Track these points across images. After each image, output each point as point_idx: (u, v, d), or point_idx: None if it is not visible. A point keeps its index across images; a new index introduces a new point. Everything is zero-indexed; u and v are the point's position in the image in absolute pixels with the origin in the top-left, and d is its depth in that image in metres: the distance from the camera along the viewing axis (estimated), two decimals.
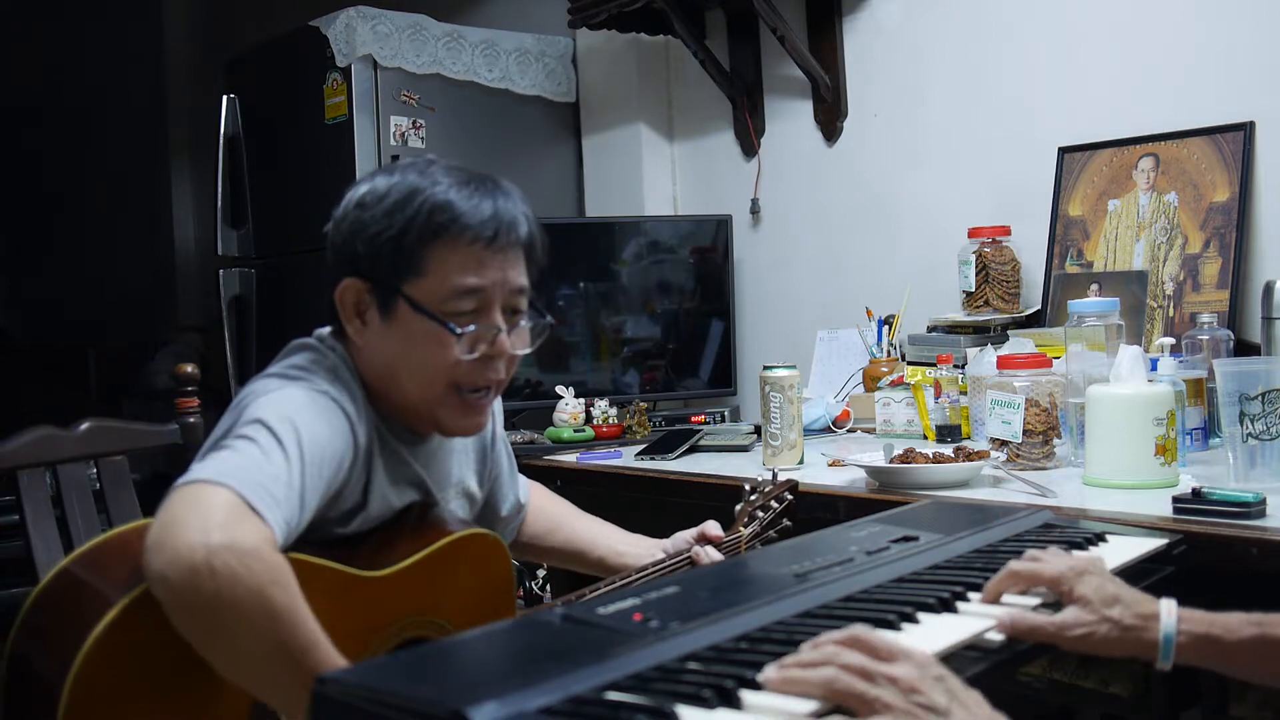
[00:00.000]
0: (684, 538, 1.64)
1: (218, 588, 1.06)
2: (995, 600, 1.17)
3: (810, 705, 0.88)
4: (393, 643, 1.34)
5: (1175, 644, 1.14)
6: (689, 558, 1.58)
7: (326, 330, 1.43)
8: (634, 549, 1.66)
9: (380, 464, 1.38)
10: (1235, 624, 1.15)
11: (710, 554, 1.58)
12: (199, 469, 1.16)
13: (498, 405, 1.56)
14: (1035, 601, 1.18)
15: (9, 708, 1.20)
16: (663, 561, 1.58)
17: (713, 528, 1.63)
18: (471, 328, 1.35)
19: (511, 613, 1.46)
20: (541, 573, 3.07)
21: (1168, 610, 1.15)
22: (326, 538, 1.32)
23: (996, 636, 1.09)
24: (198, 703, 1.19)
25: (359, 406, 1.35)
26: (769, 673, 0.91)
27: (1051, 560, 1.19)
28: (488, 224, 1.36)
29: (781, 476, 1.79)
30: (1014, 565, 1.18)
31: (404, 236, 1.33)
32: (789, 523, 1.73)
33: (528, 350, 1.44)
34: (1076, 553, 1.21)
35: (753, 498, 1.73)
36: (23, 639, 1.21)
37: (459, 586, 1.40)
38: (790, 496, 1.77)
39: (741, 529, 1.66)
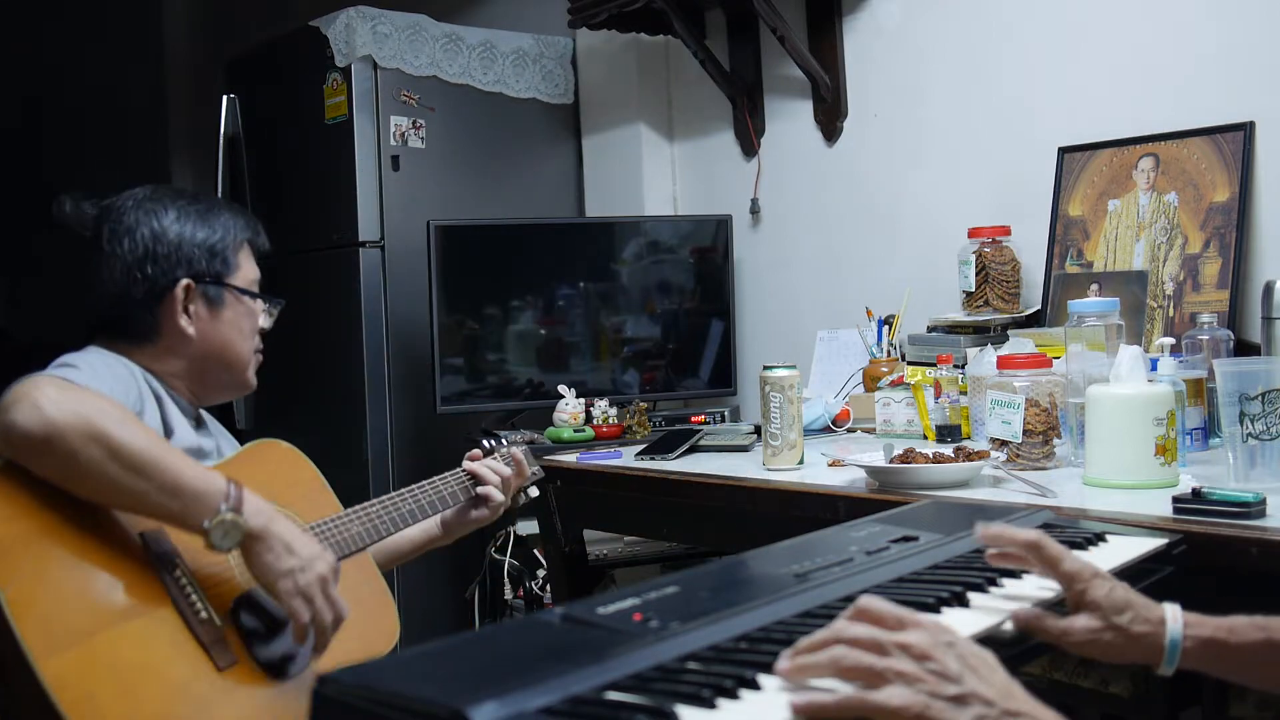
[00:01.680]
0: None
1: (68, 414, 1.31)
2: (997, 540, 1.17)
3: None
4: None
5: (1181, 649, 1.13)
6: (461, 470, 1.90)
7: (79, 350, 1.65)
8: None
9: (173, 410, 1.65)
10: (1241, 628, 1.14)
11: (480, 462, 1.91)
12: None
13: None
14: (1045, 595, 1.17)
15: None
16: (441, 475, 1.87)
17: (472, 453, 1.95)
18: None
19: (336, 506, 1.72)
20: (541, 573, 3.07)
21: (1173, 615, 1.14)
22: None
23: (1008, 626, 1.10)
24: (96, 544, 1.37)
25: (131, 367, 1.62)
26: (782, 664, 0.91)
27: (1072, 555, 1.17)
28: (261, 231, 1.81)
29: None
30: (1041, 540, 1.16)
31: (224, 241, 1.71)
32: (537, 470, 2.05)
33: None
34: (1080, 553, 1.21)
35: (495, 444, 2.01)
36: None
37: (282, 482, 1.68)
38: (524, 445, 2.06)
39: (495, 455, 1.96)
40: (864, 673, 0.89)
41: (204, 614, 1.40)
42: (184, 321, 1.67)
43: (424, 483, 1.84)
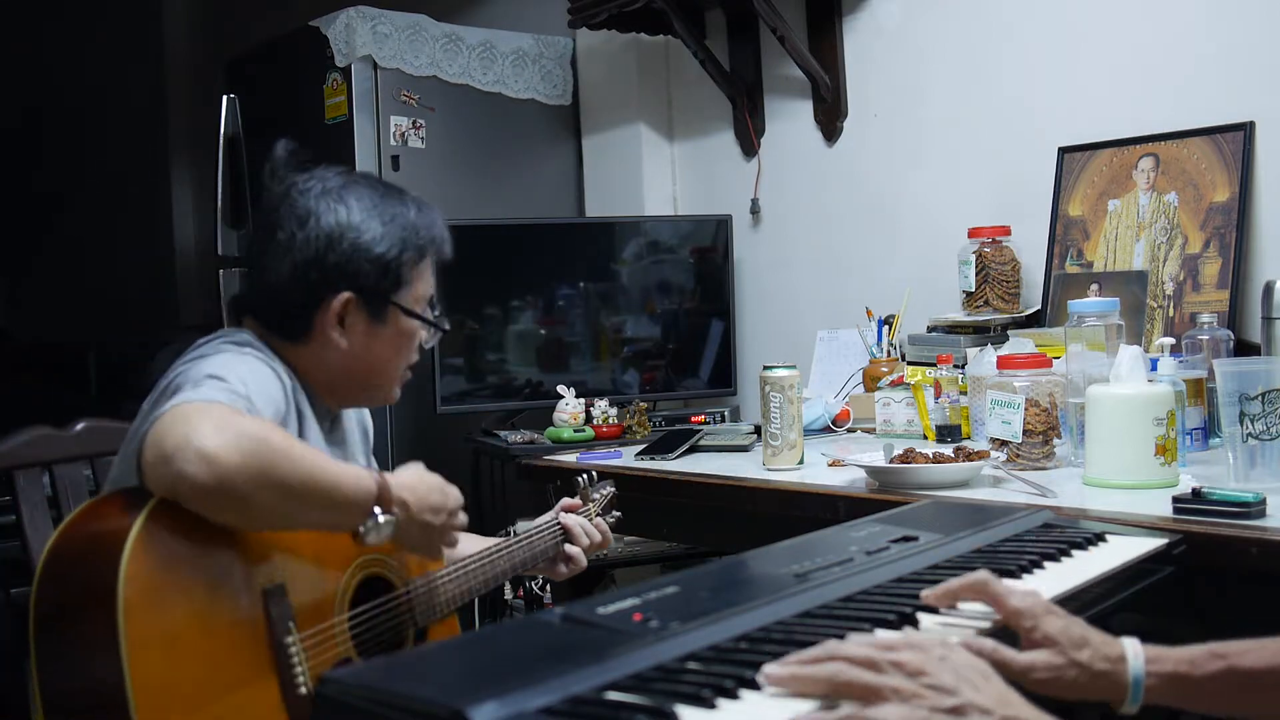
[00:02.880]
0: (546, 517, 1.86)
1: (232, 458, 1.22)
2: (947, 603, 1.13)
3: (810, 704, 0.88)
4: (358, 578, 1.47)
5: (1144, 686, 1.09)
6: (559, 522, 1.83)
7: (235, 332, 1.58)
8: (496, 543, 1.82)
9: (311, 421, 1.56)
10: (1200, 659, 1.10)
11: (576, 518, 1.85)
12: (163, 406, 1.30)
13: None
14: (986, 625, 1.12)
15: (44, 657, 1.27)
16: (541, 525, 1.81)
17: (569, 501, 1.89)
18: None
19: (441, 563, 1.62)
20: None
21: (1134, 652, 1.10)
22: None
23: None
24: (224, 605, 1.31)
25: (277, 366, 1.52)
26: (770, 669, 0.90)
27: (1018, 592, 1.12)
28: (448, 245, 1.66)
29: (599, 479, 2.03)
30: (982, 580, 1.11)
31: (402, 255, 1.58)
32: (619, 514, 1.98)
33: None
34: (1024, 592, 1.13)
35: (584, 485, 1.94)
36: (49, 588, 1.29)
37: None
38: (613, 489, 2.00)
39: (589, 504, 1.91)
40: (861, 690, 0.88)
41: (303, 689, 1.34)
42: (336, 333, 1.55)
43: (523, 538, 1.75)
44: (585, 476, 1.93)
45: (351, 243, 1.54)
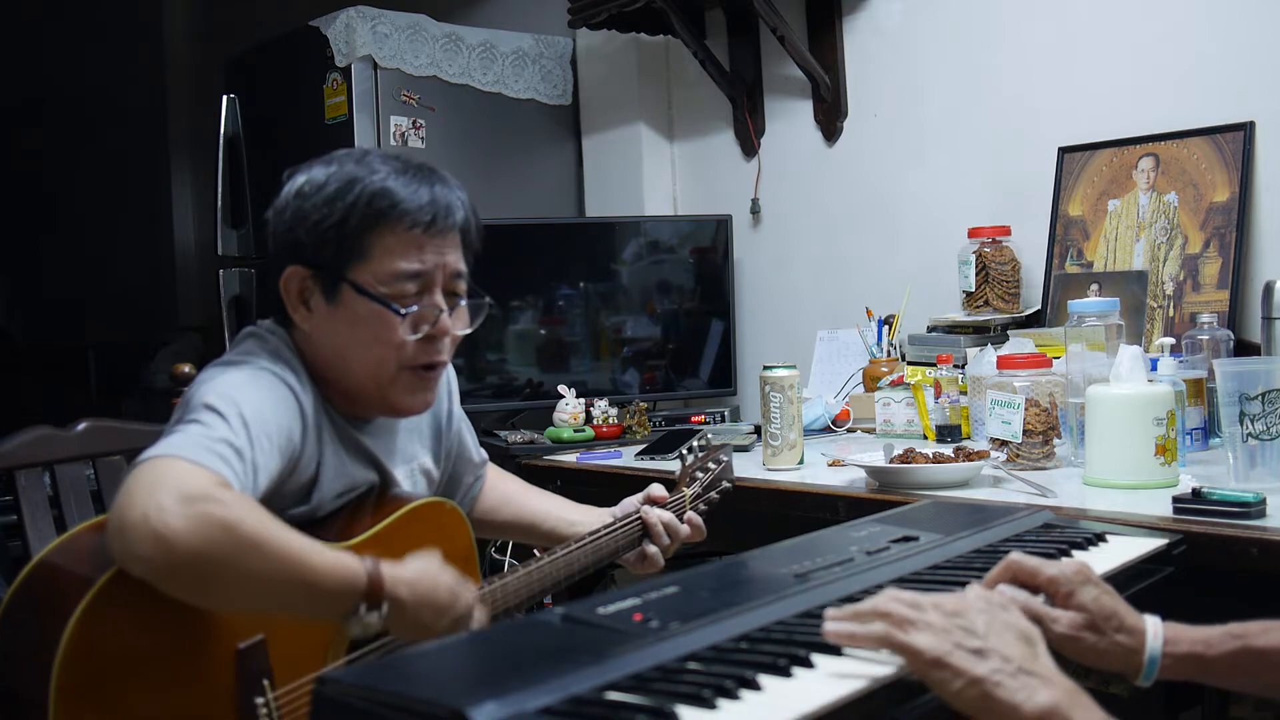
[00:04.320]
0: (631, 502, 1.71)
1: (189, 545, 1.11)
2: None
3: (816, 703, 0.88)
4: None
5: (1159, 665, 1.15)
6: (639, 518, 1.67)
7: (269, 320, 1.49)
8: (584, 518, 1.71)
9: (329, 439, 1.43)
10: (1217, 639, 1.16)
11: (659, 514, 1.68)
12: (148, 451, 1.21)
13: (453, 381, 1.67)
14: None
15: None
16: (612, 524, 1.64)
17: (658, 489, 1.71)
18: (414, 308, 1.42)
19: (476, 580, 1.46)
20: None
21: (1154, 631, 1.16)
22: (290, 521, 1.34)
23: None
24: (185, 668, 1.23)
25: (302, 382, 1.41)
26: (829, 625, 0.97)
27: (1051, 561, 1.18)
28: (425, 209, 1.42)
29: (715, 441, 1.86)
30: (1015, 557, 1.18)
31: (345, 223, 1.39)
32: (729, 485, 1.82)
33: (469, 330, 1.52)
34: (1067, 560, 1.21)
35: (689, 461, 1.81)
36: (2, 634, 1.23)
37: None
38: (725, 459, 1.84)
39: (684, 489, 1.75)
40: (899, 623, 0.95)
41: None
42: (299, 315, 1.42)
43: (596, 537, 1.59)
44: (693, 448, 1.76)
45: (294, 211, 1.42)
